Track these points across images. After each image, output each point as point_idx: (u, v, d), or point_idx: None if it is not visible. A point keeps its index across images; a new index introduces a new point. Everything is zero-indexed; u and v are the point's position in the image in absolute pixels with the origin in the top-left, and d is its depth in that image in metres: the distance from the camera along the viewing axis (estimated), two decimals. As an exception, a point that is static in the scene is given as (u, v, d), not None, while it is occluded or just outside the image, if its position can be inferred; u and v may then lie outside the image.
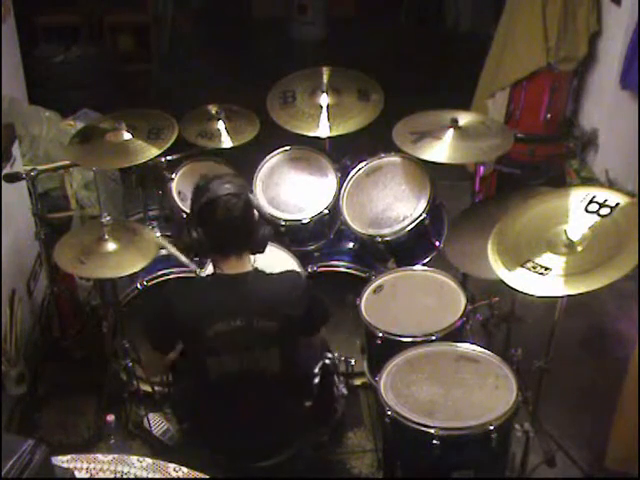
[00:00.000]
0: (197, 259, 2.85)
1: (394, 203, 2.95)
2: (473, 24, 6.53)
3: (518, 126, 4.17)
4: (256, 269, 2.28)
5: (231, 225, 2.18)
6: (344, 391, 2.63)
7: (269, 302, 2.22)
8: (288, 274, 2.42)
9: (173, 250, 2.82)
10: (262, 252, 2.32)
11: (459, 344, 2.47)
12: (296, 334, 2.29)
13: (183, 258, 2.82)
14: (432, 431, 2.17)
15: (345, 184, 3.02)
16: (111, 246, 2.64)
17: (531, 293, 2.12)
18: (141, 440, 2.97)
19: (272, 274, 2.33)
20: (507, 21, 4.18)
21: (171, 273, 2.92)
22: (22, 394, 3.11)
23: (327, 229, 3.06)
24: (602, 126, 4.22)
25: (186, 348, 2.32)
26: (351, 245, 3.15)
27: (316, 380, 2.48)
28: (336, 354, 2.73)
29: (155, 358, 2.42)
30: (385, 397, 2.29)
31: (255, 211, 2.23)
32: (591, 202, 2.25)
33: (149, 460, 1.91)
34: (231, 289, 2.22)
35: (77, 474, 1.84)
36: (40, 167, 3.04)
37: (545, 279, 2.13)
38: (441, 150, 2.79)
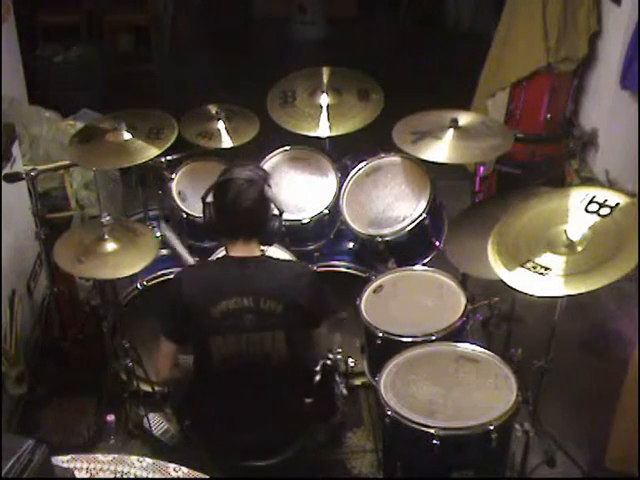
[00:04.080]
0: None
1: (394, 203, 2.95)
2: (473, 24, 6.53)
3: (518, 126, 4.17)
4: (263, 254, 2.30)
5: (241, 209, 2.22)
6: (344, 391, 2.63)
7: (275, 285, 2.24)
8: (296, 263, 2.51)
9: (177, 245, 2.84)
10: (270, 244, 2.36)
11: (459, 344, 2.47)
12: (301, 321, 2.29)
13: (185, 253, 2.84)
14: (432, 431, 2.16)
15: (345, 184, 3.02)
16: (111, 246, 2.64)
17: (531, 293, 2.12)
18: (141, 440, 2.97)
19: (280, 260, 2.36)
20: (507, 21, 4.18)
21: (171, 273, 2.92)
22: (22, 394, 3.11)
23: (327, 229, 3.06)
24: (602, 126, 4.22)
25: (192, 329, 2.30)
26: (351, 245, 3.15)
27: (317, 378, 2.48)
28: (336, 354, 2.74)
29: (163, 357, 2.38)
30: (385, 397, 2.29)
31: (271, 203, 2.28)
32: (591, 202, 2.24)
33: (149, 460, 1.91)
34: (238, 270, 2.25)
35: (77, 474, 1.84)
36: (40, 167, 3.04)
37: (545, 279, 2.13)
38: (441, 150, 2.79)
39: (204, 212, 2.33)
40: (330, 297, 2.41)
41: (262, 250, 2.33)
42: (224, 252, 2.36)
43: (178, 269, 2.90)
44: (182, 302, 2.25)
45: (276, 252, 2.87)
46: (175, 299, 2.27)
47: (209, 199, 2.31)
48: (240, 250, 2.27)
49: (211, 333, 2.23)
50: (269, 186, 2.30)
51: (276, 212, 2.33)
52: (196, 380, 2.38)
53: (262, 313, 2.21)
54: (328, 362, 2.51)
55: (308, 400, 2.41)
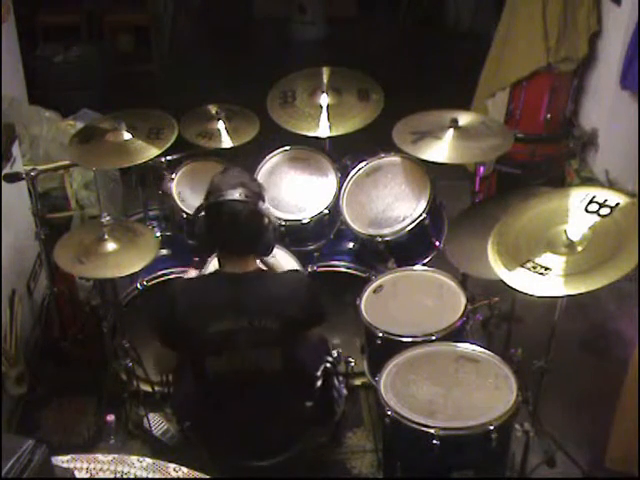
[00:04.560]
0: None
1: (394, 203, 2.94)
2: (473, 24, 6.53)
3: (518, 126, 4.17)
4: (259, 269, 2.28)
5: (235, 230, 2.19)
6: (344, 391, 2.63)
7: (271, 302, 2.22)
8: (291, 274, 2.44)
9: None
10: (267, 256, 2.34)
11: (459, 344, 2.47)
12: (297, 332, 2.29)
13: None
14: (432, 431, 2.17)
15: (345, 184, 3.02)
16: (111, 246, 2.64)
17: (531, 293, 2.12)
18: (141, 440, 2.97)
19: (275, 274, 2.34)
20: (507, 21, 4.18)
21: (171, 273, 2.92)
22: (22, 394, 3.11)
23: (327, 229, 3.06)
24: (602, 126, 4.22)
25: (186, 347, 2.31)
26: (351, 245, 3.15)
27: (319, 383, 2.48)
28: (335, 354, 2.74)
29: (165, 353, 2.41)
30: (385, 397, 2.29)
31: (265, 218, 2.22)
32: (591, 202, 2.24)
33: (149, 460, 1.91)
34: (233, 288, 2.23)
35: (77, 474, 1.84)
36: (40, 167, 3.04)
37: (545, 279, 2.12)
38: (441, 150, 2.79)
39: (196, 228, 2.29)
40: (322, 306, 2.38)
41: (258, 262, 2.31)
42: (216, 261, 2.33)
43: (178, 269, 2.92)
44: (176, 321, 2.23)
45: (276, 252, 2.87)
46: (169, 316, 2.26)
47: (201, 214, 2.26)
48: (235, 266, 2.24)
49: (206, 353, 2.23)
50: (263, 200, 2.25)
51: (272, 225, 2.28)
52: (194, 389, 2.38)
53: (258, 332, 2.19)
54: (328, 365, 2.51)
55: (309, 404, 2.42)
